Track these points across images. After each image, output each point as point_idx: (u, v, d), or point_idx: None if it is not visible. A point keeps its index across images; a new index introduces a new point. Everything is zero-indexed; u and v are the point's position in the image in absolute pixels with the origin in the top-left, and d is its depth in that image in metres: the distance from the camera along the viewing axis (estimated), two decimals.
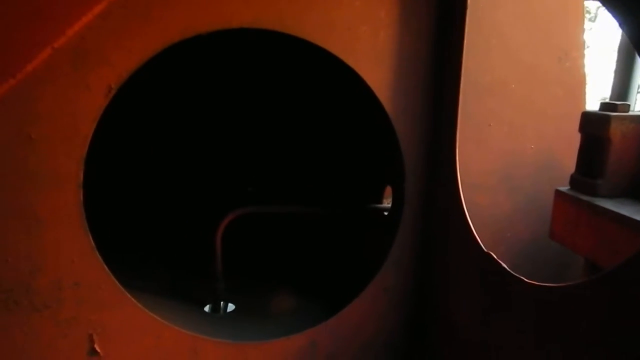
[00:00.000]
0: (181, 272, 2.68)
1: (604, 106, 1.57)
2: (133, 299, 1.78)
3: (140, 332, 1.83)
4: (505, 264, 1.48)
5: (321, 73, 2.67)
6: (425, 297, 2.03)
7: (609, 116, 1.49)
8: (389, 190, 2.67)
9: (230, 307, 2.49)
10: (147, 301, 1.89)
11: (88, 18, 1.66)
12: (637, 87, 2.68)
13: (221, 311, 2.46)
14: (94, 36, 1.67)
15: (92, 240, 1.72)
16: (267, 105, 3.23)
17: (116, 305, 1.78)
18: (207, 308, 2.48)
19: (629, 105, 1.55)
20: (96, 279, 1.74)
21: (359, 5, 1.86)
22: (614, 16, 0.81)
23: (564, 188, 1.68)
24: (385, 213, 2.59)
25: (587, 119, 1.59)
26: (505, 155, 2.01)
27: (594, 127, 1.56)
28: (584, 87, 2.03)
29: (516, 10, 1.97)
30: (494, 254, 1.55)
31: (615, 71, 2.75)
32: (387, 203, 2.69)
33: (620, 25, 0.76)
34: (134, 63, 1.71)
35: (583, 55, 2.02)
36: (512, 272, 1.40)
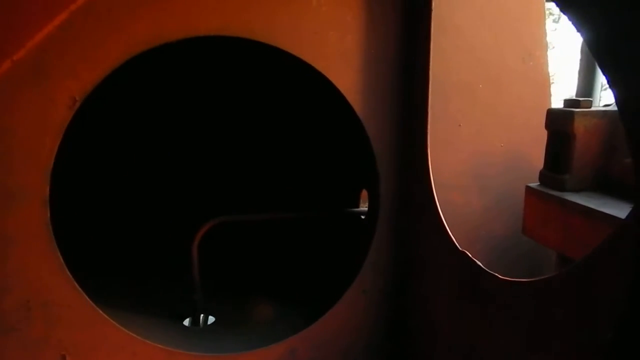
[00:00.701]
0: (159, 285, 2.62)
1: (568, 103, 1.61)
2: (106, 316, 1.73)
3: (114, 349, 1.77)
4: (481, 261, 1.50)
5: (295, 79, 2.67)
6: (404, 298, 2.03)
7: (572, 112, 1.53)
8: (365, 194, 2.68)
9: (211, 319, 2.45)
10: (122, 317, 1.85)
11: (49, 29, 1.63)
12: (600, 85, 2.76)
13: (201, 324, 2.41)
14: (56, 48, 1.63)
15: (61, 258, 1.67)
16: (243, 111, 3.21)
17: (88, 323, 1.73)
18: (186, 321, 2.43)
19: (591, 101, 1.60)
20: (66, 297, 1.69)
21: (325, 10, 1.86)
22: (571, 21, 0.83)
23: (534, 184, 1.71)
24: (362, 217, 2.59)
25: (552, 115, 1.63)
26: (475, 155, 2.04)
27: (558, 123, 1.59)
28: (549, 86, 2.08)
29: (480, 13, 2.01)
30: (470, 252, 1.56)
31: (579, 70, 2.83)
32: (364, 207, 2.69)
33: (577, 29, 0.78)
34: (98, 74, 1.67)
35: (546, 55, 2.07)
36: (486, 269, 1.41)
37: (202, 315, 2.38)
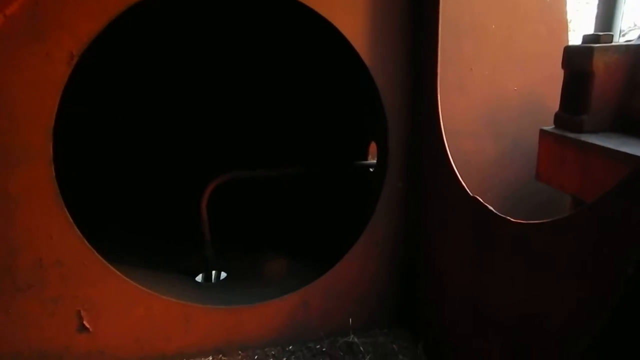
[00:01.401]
0: (170, 242, 2.64)
1: (587, 38, 1.52)
2: (118, 272, 1.75)
3: (129, 304, 1.80)
4: (495, 208, 1.46)
5: (300, 28, 2.57)
6: (416, 248, 2.02)
7: (592, 48, 1.44)
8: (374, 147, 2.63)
9: (223, 275, 2.48)
10: (135, 273, 1.87)
11: None
12: (620, 21, 2.61)
13: (213, 279, 2.45)
14: (50, 1, 1.57)
15: (69, 217, 1.67)
16: (249, 64, 3.12)
17: (102, 280, 1.75)
18: (199, 278, 2.46)
19: (612, 36, 1.50)
20: (78, 255, 1.70)
21: None
22: None
23: (549, 127, 1.64)
24: (371, 169, 2.55)
25: (570, 53, 1.54)
26: (488, 100, 1.96)
27: (577, 61, 1.50)
28: (566, 25, 1.97)
29: None
30: (483, 200, 1.52)
31: (599, 4, 2.66)
32: (372, 160, 2.65)
33: None
34: (95, 27, 1.62)
35: None
36: (498, 213, 1.37)
37: (214, 271, 2.41)
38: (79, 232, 1.68)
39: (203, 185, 2.30)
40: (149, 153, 3.12)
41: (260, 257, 2.54)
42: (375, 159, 2.59)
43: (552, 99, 1.77)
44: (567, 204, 1.80)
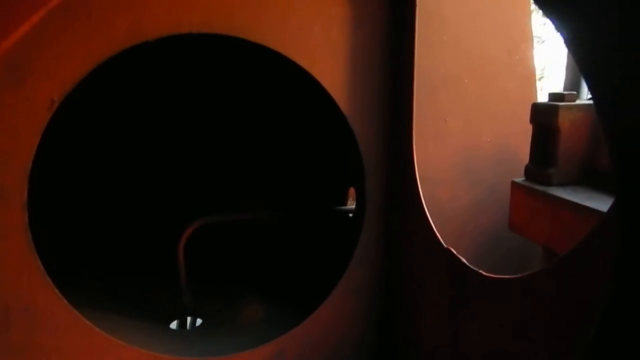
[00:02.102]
0: (145, 288, 2.59)
1: (553, 96, 1.60)
2: (88, 322, 1.70)
3: (98, 355, 1.74)
4: (469, 257, 1.49)
5: (280, 77, 2.64)
6: (393, 296, 2.02)
7: (557, 106, 1.52)
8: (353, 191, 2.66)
9: (198, 321, 2.43)
10: (106, 322, 1.82)
11: (25, 28, 1.58)
12: None
13: (188, 326, 2.39)
14: (33, 47, 1.59)
15: (40, 263, 1.63)
16: (228, 110, 3.17)
17: (70, 329, 1.70)
18: (174, 324, 2.41)
19: (576, 95, 1.58)
20: (47, 303, 1.65)
21: (310, 4, 1.83)
22: (551, 21, 0.81)
23: (520, 179, 1.70)
24: (350, 215, 2.58)
25: (537, 109, 1.62)
26: (463, 150, 2.02)
27: (543, 117, 1.58)
28: (534, 79, 2.07)
29: (466, 5, 1.99)
30: (458, 247, 1.55)
31: (567, 64, 2.81)
32: (352, 204, 2.68)
33: (556, 28, 0.75)
34: (77, 74, 1.64)
35: (532, 48, 2.06)
36: (471, 266, 1.40)
37: (189, 317, 2.36)
38: (49, 278, 1.64)
39: (180, 229, 2.29)
40: (124, 195, 3.10)
41: (237, 302, 2.50)
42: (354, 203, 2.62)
43: (523, 151, 1.84)
44: (540, 252, 1.84)
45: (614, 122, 0.65)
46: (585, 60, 0.67)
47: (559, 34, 0.75)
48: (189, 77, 3.01)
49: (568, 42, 0.74)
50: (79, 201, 2.92)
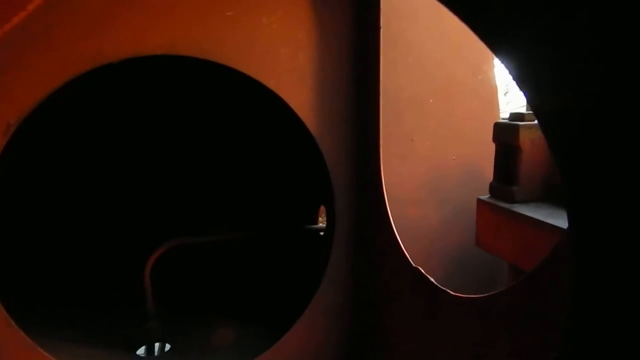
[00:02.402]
0: (110, 314, 2.50)
1: (513, 116, 1.64)
2: (48, 355, 1.62)
3: None
4: (438, 275, 1.49)
5: (249, 98, 2.63)
6: (364, 316, 2.01)
7: (517, 125, 1.56)
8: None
9: (167, 347, 2.35)
10: (69, 353, 1.74)
11: None
12: None
13: (156, 352, 2.31)
14: None
15: None
16: (195, 131, 3.14)
17: None
18: (141, 350, 2.33)
19: None
20: (4, 337, 1.58)
21: (276, 28, 1.85)
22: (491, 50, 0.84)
23: (485, 197, 1.73)
24: (321, 233, 2.57)
25: (499, 129, 1.66)
26: (430, 169, 2.05)
27: (505, 136, 1.62)
28: (497, 98, 2.13)
29: (429, 28, 2.04)
30: (428, 265, 1.56)
31: None
32: (322, 222, 2.67)
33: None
34: (35, 98, 1.59)
35: (493, 68, 2.12)
36: (439, 285, 1.40)
37: (157, 343, 2.29)
38: (5, 311, 1.56)
39: (147, 252, 2.23)
40: (90, 216, 3.01)
41: (208, 325, 2.44)
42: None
43: (488, 169, 1.88)
44: (506, 268, 1.87)
45: (558, 141, 0.67)
46: (526, 88, 0.70)
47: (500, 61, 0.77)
48: (155, 99, 2.98)
49: (509, 71, 0.76)
50: (38, 226, 2.81)
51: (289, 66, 1.87)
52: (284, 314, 2.08)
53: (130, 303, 2.38)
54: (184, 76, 2.80)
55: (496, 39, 0.74)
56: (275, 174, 3.12)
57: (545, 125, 0.68)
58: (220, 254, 2.95)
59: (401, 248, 1.64)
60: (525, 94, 0.71)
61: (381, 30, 1.81)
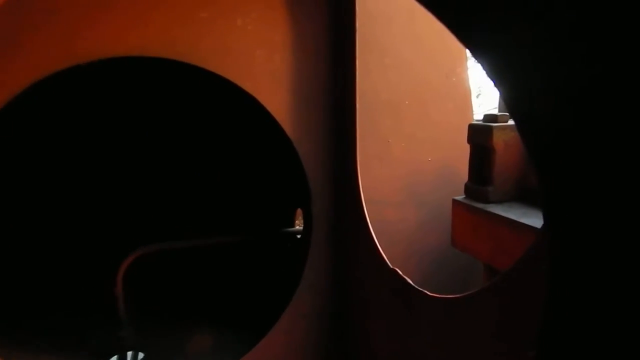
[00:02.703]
0: (81, 324, 2.42)
1: (487, 117, 1.67)
2: None
3: None
4: (417, 276, 1.50)
5: (226, 100, 2.60)
6: (342, 319, 2.00)
7: (491, 127, 1.58)
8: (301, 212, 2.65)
9: (140, 355, 2.30)
10: None
11: None
12: None
13: None
14: None
15: None
16: (172, 134, 3.08)
17: None
18: None
19: (508, 116, 1.66)
20: None
21: (251, 29, 1.83)
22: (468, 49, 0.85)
23: (460, 197, 1.75)
24: (298, 236, 2.56)
25: (473, 130, 1.68)
26: (408, 171, 2.07)
27: (479, 137, 1.64)
28: (470, 100, 2.16)
29: (404, 31, 2.06)
30: (406, 267, 1.56)
31: None
32: (299, 225, 2.66)
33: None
34: (1, 99, 1.54)
35: (467, 71, 2.15)
36: (416, 286, 1.41)
37: (130, 352, 2.23)
38: None
39: (120, 258, 2.17)
40: (61, 219, 2.92)
41: (184, 332, 2.40)
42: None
43: (463, 169, 1.91)
44: (482, 268, 1.90)
45: (533, 140, 0.68)
46: (504, 92, 0.70)
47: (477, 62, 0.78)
48: (133, 100, 2.91)
49: (486, 72, 0.77)
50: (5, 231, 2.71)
51: (265, 68, 1.86)
52: (263, 319, 2.06)
53: (103, 311, 2.31)
54: (162, 78, 2.75)
55: (473, 40, 0.75)
56: (252, 177, 3.09)
57: (520, 124, 0.69)
58: (197, 259, 2.91)
59: (379, 250, 1.64)
60: (500, 94, 0.72)
61: (357, 32, 1.82)
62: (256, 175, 3.07)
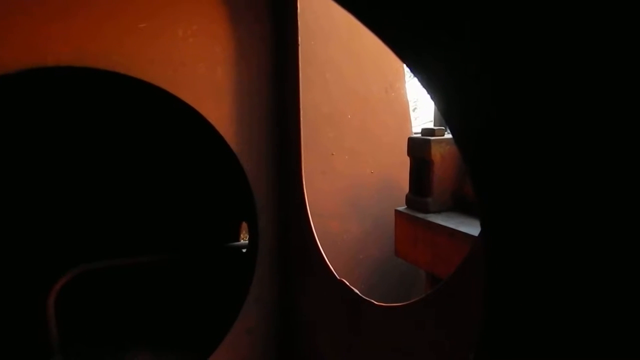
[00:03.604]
0: (9, 349, 2.24)
1: (425, 131, 1.74)
2: None
3: None
4: (362, 285, 1.53)
5: (167, 115, 2.53)
6: (290, 334, 1.99)
7: (429, 140, 1.66)
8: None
9: None
10: None
11: None
12: None
13: None
14: None
15: None
16: (109, 147, 2.95)
17: None
18: None
19: (444, 130, 1.75)
20: None
21: (192, 42, 1.81)
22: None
23: (402, 208, 1.81)
24: (244, 250, 2.52)
25: (412, 143, 1.75)
26: (350, 183, 2.11)
27: (418, 150, 1.71)
28: (409, 114, 2.25)
29: (345, 47, 2.12)
30: (352, 277, 1.59)
31: None
32: (245, 239, 2.63)
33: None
34: None
35: (405, 86, 2.25)
36: (363, 296, 1.44)
37: None
38: None
39: (52, 280, 2.03)
40: None
41: (125, 354, 2.28)
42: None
43: (404, 181, 1.98)
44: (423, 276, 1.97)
45: (467, 150, 0.73)
46: (441, 106, 0.75)
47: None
48: (73, 111, 2.76)
49: (426, 89, 0.81)
50: None
51: (207, 81, 1.83)
52: (207, 337, 2.00)
53: (32, 336, 2.15)
54: (100, 91, 2.63)
55: (407, 57, 0.79)
56: (196, 191, 3.02)
57: (457, 135, 0.74)
58: (137, 276, 2.78)
59: (326, 262, 1.66)
60: (438, 108, 0.76)
61: (299, 47, 1.84)
62: (201, 189, 3.00)
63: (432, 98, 0.80)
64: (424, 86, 0.77)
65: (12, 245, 2.77)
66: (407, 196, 1.82)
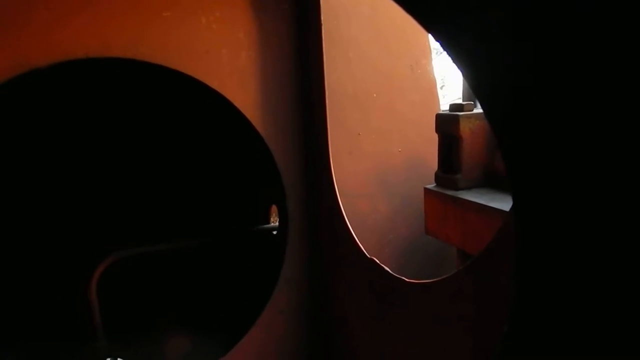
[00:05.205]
0: (54, 335, 2.36)
1: (453, 107, 1.71)
2: None
3: None
4: (392, 264, 1.53)
5: (195, 100, 2.57)
6: (322, 313, 2.02)
7: (457, 116, 1.63)
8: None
9: None
10: None
11: None
12: None
13: None
14: None
15: None
16: (142, 136, 3.01)
17: None
18: None
19: (473, 104, 1.71)
20: None
21: (216, 28, 1.82)
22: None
23: (431, 185, 1.79)
24: (274, 232, 2.56)
25: (440, 119, 1.73)
26: (378, 162, 2.10)
27: (446, 127, 1.69)
28: (436, 90, 2.21)
29: (369, 24, 2.08)
30: (380, 257, 1.59)
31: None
32: (275, 222, 2.66)
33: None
34: None
35: (431, 62, 2.20)
36: (394, 273, 1.44)
37: None
38: None
39: (92, 265, 2.12)
40: (29, 227, 2.82)
41: (162, 337, 2.36)
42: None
43: (432, 159, 1.95)
44: (454, 253, 1.95)
45: (502, 129, 0.71)
46: (472, 80, 0.73)
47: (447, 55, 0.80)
48: (98, 103, 2.83)
49: (456, 63, 0.79)
50: None
51: (231, 66, 1.85)
52: (242, 318, 2.05)
53: (75, 321, 2.25)
54: (128, 80, 2.68)
55: (436, 28, 0.77)
56: (226, 176, 3.07)
57: (488, 108, 0.72)
58: (171, 262, 2.86)
59: (356, 241, 1.67)
60: (467, 81, 0.74)
61: (322, 27, 1.83)
62: (230, 174, 3.05)
63: (460, 69, 0.78)
64: (451, 57, 0.75)
65: (51, 231, 2.89)
66: (436, 173, 1.80)
